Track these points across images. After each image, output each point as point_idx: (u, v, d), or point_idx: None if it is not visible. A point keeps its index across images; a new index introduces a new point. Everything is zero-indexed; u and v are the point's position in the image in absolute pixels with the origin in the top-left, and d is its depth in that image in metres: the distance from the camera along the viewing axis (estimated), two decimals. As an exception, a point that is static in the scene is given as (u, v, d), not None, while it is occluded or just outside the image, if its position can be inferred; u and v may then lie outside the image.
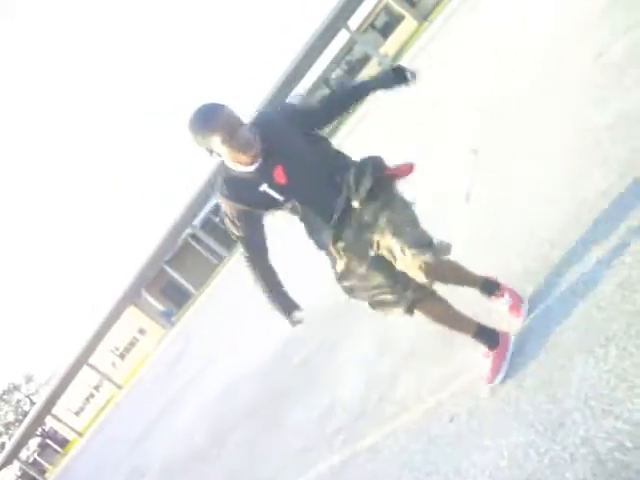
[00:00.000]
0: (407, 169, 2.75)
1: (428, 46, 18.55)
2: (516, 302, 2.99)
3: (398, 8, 32.02)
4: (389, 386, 3.66)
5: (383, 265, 2.72)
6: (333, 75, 35.70)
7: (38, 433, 38.56)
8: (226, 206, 2.77)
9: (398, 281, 2.71)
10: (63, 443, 39.34)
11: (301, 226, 2.87)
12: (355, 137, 16.54)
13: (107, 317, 28.21)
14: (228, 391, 7.74)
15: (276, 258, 2.94)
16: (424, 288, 2.70)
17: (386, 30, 34.03)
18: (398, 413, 3.30)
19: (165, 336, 28.14)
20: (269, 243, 2.87)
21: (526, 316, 2.93)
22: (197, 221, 31.09)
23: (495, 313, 3.03)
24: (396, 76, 2.79)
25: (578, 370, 2.31)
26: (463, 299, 2.92)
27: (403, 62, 15.94)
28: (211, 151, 2.60)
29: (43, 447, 44.41)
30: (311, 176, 2.70)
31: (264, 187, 2.65)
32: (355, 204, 2.68)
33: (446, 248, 2.69)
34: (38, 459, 42.29)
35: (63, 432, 37.42)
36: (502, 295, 3.01)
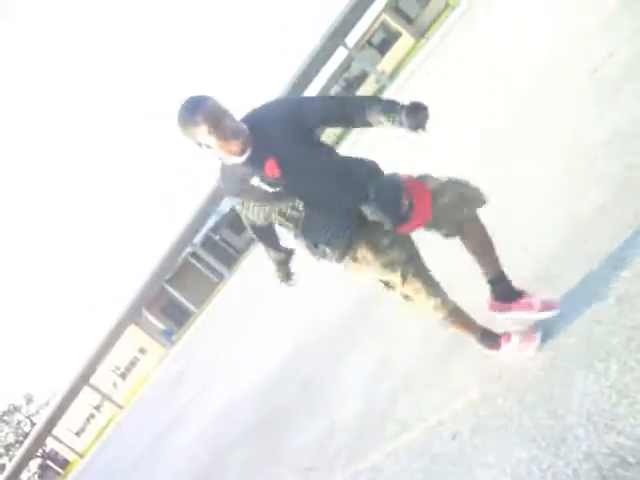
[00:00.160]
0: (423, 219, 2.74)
1: (425, 63, 18.68)
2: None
3: (395, 25, 32.31)
4: (390, 405, 3.64)
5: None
6: (332, 92, 35.88)
7: (39, 454, 38.27)
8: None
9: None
10: (64, 464, 39.04)
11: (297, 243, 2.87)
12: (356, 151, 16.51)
13: (108, 336, 28.08)
14: (229, 410, 7.70)
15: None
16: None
17: (383, 47, 34.23)
18: (399, 432, 3.28)
19: (166, 355, 28.02)
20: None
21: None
22: (197, 239, 31.07)
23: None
24: (408, 118, 2.57)
25: (579, 385, 2.30)
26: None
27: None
28: (199, 144, 2.62)
29: (44, 469, 44.02)
30: (311, 169, 2.68)
31: (255, 180, 2.66)
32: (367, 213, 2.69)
33: (480, 197, 2.74)
34: (38, 481, 42.03)
35: (64, 453, 37.16)
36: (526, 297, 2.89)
